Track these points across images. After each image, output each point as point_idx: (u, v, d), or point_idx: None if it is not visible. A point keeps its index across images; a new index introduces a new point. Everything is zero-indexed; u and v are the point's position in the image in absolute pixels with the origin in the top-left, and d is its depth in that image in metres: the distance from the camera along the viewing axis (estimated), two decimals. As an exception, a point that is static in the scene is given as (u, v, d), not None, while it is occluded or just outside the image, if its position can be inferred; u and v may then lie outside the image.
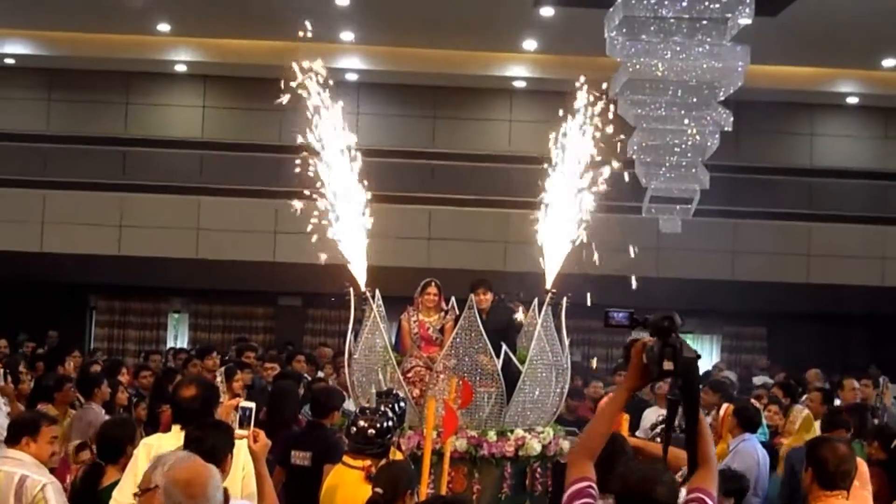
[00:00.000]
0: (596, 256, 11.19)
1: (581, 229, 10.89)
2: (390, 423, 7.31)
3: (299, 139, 10.58)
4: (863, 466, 7.90)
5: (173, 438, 6.38)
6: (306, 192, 10.60)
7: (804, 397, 13.10)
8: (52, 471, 7.54)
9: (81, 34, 21.41)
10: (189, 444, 5.67)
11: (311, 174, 10.58)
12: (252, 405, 6.14)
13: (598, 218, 10.91)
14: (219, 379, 11.33)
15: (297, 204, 10.60)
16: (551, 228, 10.96)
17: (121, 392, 12.19)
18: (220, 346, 19.99)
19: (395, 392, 8.06)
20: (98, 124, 23.15)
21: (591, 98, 10.90)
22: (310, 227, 10.67)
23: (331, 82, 10.57)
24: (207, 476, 4.98)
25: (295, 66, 10.43)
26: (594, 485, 4.53)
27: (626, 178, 12.59)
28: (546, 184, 11.02)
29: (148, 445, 6.52)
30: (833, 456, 6.14)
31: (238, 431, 5.94)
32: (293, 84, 10.40)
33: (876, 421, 11.48)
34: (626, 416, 7.80)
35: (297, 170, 10.51)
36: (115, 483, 6.66)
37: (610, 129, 10.87)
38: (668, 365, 4.14)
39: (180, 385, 7.04)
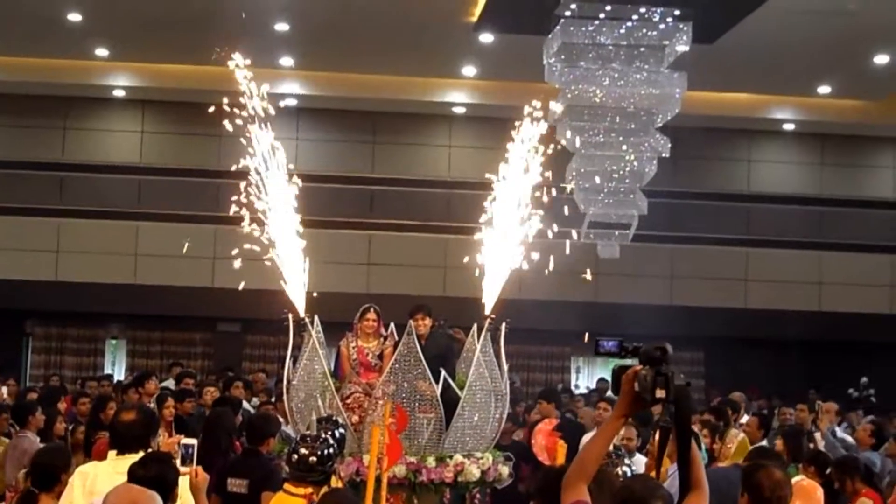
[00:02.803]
0: (535, 282, 11.21)
1: (520, 255, 10.89)
2: (331, 451, 7.30)
3: (237, 165, 10.55)
4: (817, 491, 7.98)
5: (109, 466, 6.32)
6: (245, 218, 10.55)
7: (739, 422, 13.17)
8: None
9: (19, 58, 21.26)
10: (135, 482, 5.59)
11: (250, 199, 10.55)
12: (194, 442, 6.14)
13: (537, 243, 10.92)
14: (152, 405, 11.26)
15: (246, 227, 10.53)
16: (490, 254, 10.96)
17: (59, 423, 12.01)
18: (159, 372, 19.81)
19: (334, 419, 8.05)
20: (36, 149, 22.96)
21: (532, 123, 10.90)
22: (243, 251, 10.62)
23: (270, 109, 10.55)
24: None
25: (234, 90, 10.41)
26: None
27: (565, 204, 12.60)
28: (485, 209, 11.03)
29: (84, 474, 6.45)
30: (769, 481, 6.17)
31: (181, 468, 5.93)
32: (232, 109, 10.39)
33: (812, 445, 11.55)
34: (563, 444, 7.80)
35: (236, 197, 10.47)
36: (49, 512, 6.60)
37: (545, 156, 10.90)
38: (660, 393, 4.27)
39: (120, 411, 7.00)
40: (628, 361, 4.55)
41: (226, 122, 10.41)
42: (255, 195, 10.56)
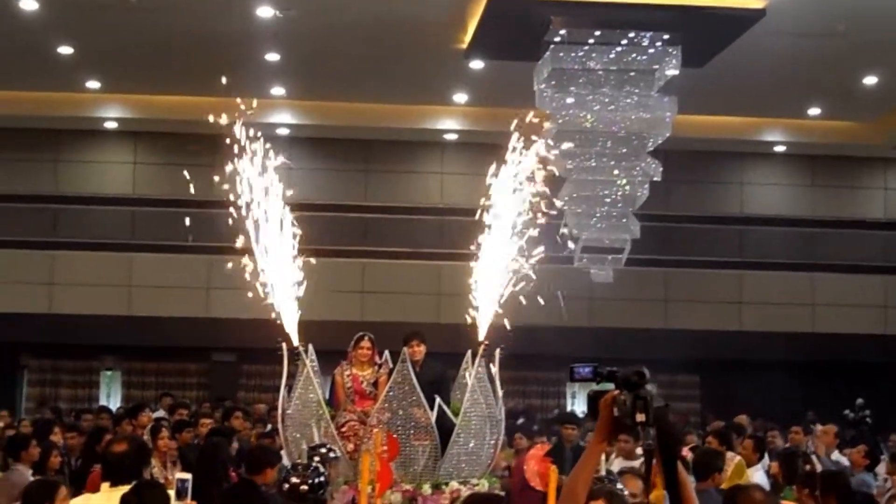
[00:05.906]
0: (529, 307, 11.20)
1: (513, 280, 10.89)
2: (323, 479, 7.31)
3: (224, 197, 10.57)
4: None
5: (102, 498, 6.33)
6: (239, 248, 10.56)
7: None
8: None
9: (11, 92, 21.26)
10: None
11: (243, 230, 10.56)
12: (189, 477, 6.19)
13: (530, 269, 10.92)
14: (146, 437, 11.24)
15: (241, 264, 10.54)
16: (484, 280, 10.97)
17: (53, 456, 11.93)
18: (153, 403, 19.77)
19: (327, 446, 8.06)
20: (28, 182, 22.96)
21: (523, 149, 10.91)
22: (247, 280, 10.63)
23: (262, 139, 10.58)
24: None
25: (225, 121, 10.45)
26: None
27: (559, 228, 12.64)
28: (478, 235, 11.03)
29: (76, 507, 6.47)
30: (750, 504, 6.16)
31: (175, 503, 5.97)
32: (225, 140, 10.42)
33: (808, 467, 11.54)
34: (555, 469, 7.77)
35: (230, 222, 10.49)
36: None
37: (540, 182, 10.90)
38: (640, 417, 4.26)
39: (112, 442, 7.02)
40: (601, 386, 4.55)
41: (218, 154, 10.43)
42: (249, 225, 10.58)
